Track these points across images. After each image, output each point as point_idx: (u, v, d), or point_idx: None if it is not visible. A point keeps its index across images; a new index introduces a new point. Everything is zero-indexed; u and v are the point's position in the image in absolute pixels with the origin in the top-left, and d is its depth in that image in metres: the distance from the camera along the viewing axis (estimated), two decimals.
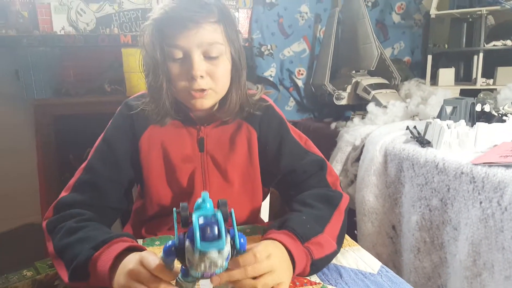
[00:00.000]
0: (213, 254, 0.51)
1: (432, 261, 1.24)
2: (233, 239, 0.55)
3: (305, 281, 0.70)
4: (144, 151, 0.84)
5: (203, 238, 0.50)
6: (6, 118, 1.75)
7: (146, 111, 0.82)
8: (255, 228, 0.89)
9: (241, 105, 0.85)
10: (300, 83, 2.20)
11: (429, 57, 2.01)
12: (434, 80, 2.02)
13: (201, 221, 0.51)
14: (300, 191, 0.85)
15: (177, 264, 0.58)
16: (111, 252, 0.63)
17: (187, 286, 0.60)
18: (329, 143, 1.76)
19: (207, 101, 0.80)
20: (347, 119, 1.89)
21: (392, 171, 1.41)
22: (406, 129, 1.47)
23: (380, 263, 0.77)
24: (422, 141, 1.32)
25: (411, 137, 1.41)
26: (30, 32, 1.56)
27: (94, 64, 1.73)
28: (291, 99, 2.24)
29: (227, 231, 0.54)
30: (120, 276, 0.59)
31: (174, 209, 0.57)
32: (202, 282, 0.68)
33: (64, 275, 0.66)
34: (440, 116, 1.43)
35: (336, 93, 1.92)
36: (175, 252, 0.55)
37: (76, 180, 0.81)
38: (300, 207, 0.79)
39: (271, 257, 0.62)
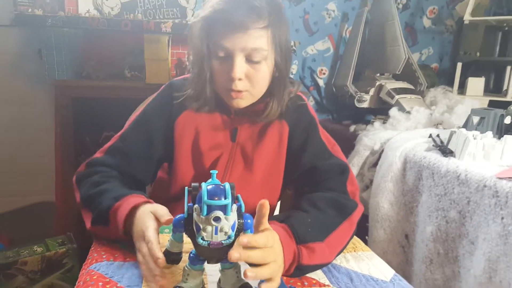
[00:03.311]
0: (218, 213, 0.52)
1: (444, 274, 1.20)
2: (239, 211, 0.57)
3: (314, 281, 0.69)
4: (178, 131, 0.88)
5: (210, 197, 0.53)
6: (27, 96, 1.76)
7: (187, 99, 0.86)
8: None
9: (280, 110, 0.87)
10: (321, 83, 2.17)
11: (459, 65, 1.94)
12: (461, 89, 1.95)
13: (209, 187, 0.55)
14: (315, 190, 0.84)
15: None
16: (129, 204, 0.70)
17: (195, 274, 0.60)
18: (346, 146, 1.71)
19: (243, 102, 0.83)
20: (367, 122, 1.84)
21: (410, 178, 1.36)
22: (429, 136, 1.42)
23: (393, 271, 0.75)
24: (445, 150, 1.27)
25: (433, 145, 1.36)
26: (56, 12, 1.57)
27: (116, 49, 1.73)
28: (311, 98, 2.20)
29: (235, 205, 0.57)
30: (137, 226, 0.68)
31: (186, 187, 0.61)
32: (209, 272, 0.67)
33: (88, 221, 0.76)
34: (466, 126, 1.38)
35: (358, 95, 1.87)
36: (184, 224, 0.58)
37: (111, 145, 0.88)
38: (308, 208, 0.77)
39: (277, 246, 0.64)
